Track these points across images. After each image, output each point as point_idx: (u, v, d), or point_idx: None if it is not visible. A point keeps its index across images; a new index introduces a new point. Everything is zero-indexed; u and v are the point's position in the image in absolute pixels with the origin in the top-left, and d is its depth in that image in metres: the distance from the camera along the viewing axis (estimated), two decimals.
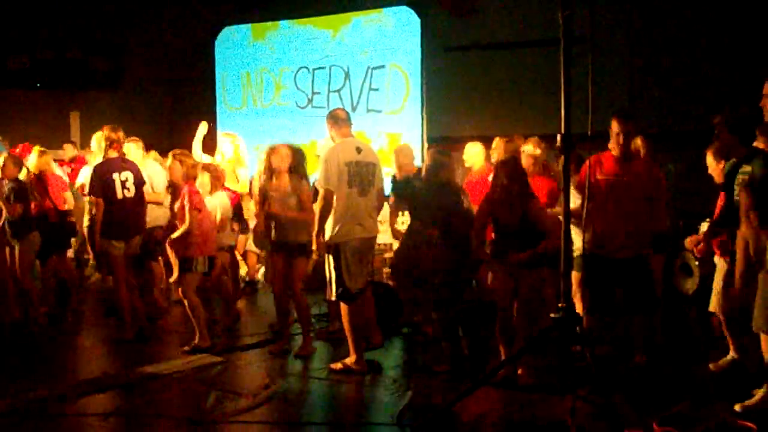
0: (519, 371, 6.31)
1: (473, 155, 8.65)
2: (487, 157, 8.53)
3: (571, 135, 5.02)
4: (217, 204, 8.16)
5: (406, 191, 8.00)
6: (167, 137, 13.71)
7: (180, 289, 7.73)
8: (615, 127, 6.22)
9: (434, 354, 7.19)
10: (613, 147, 6.29)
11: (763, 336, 5.18)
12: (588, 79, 5.10)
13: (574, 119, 5.03)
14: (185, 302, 7.72)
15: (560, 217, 5.55)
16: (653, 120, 10.10)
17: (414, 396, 6.18)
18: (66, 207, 9.28)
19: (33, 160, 9.17)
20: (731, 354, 6.46)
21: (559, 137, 5.04)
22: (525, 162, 7.37)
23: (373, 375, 6.81)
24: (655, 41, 10.98)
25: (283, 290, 7.57)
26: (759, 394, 5.40)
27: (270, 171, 7.53)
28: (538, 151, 7.87)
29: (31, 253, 8.72)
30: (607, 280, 6.31)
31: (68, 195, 9.37)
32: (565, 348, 5.14)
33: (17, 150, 10.31)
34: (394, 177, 8.44)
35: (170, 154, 7.93)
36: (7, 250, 8.66)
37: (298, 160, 7.59)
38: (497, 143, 8.19)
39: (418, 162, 8.88)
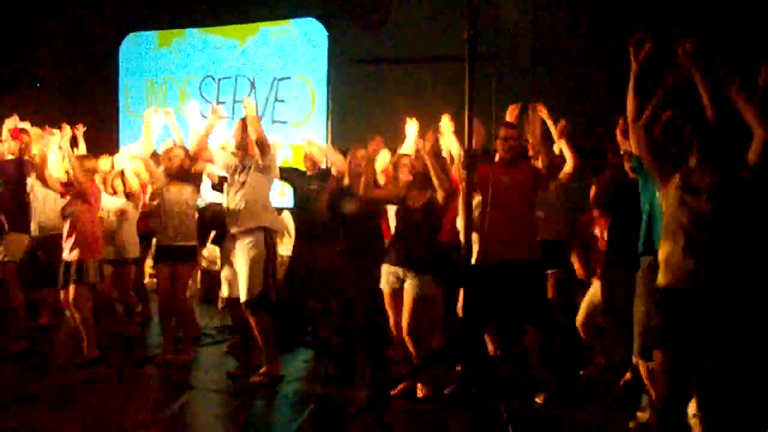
0: (419, 384, 6.33)
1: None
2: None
3: (474, 152, 5.10)
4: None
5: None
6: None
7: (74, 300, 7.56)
8: (501, 132, 6.31)
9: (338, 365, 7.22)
10: (499, 151, 6.35)
11: (641, 363, 5.23)
12: (496, 95, 5.19)
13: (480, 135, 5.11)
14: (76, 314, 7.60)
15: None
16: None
17: (315, 409, 6.16)
18: None
19: None
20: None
21: (462, 153, 5.11)
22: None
23: (274, 390, 6.76)
24: (559, 56, 11.18)
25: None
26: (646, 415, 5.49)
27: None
28: None
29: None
30: (494, 288, 6.15)
31: None
32: (465, 361, 5.19)
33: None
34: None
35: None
36: None
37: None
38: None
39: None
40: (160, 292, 7.63)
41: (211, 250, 10.14)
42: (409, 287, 6.22)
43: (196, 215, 7.80)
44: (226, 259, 7.01)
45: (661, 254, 4.26)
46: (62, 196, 7.86)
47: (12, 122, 8.79)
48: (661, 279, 4.24)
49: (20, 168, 8.47)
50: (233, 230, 6.85)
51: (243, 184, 6.87)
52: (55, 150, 8.32)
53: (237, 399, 6.60)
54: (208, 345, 8.49)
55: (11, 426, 5.74)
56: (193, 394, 6.64)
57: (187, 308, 7.76)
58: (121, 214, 8.55)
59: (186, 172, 7.55)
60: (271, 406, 6.51)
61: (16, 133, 8.49)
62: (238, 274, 6.81)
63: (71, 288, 7.48)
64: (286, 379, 6.99)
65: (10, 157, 8.55)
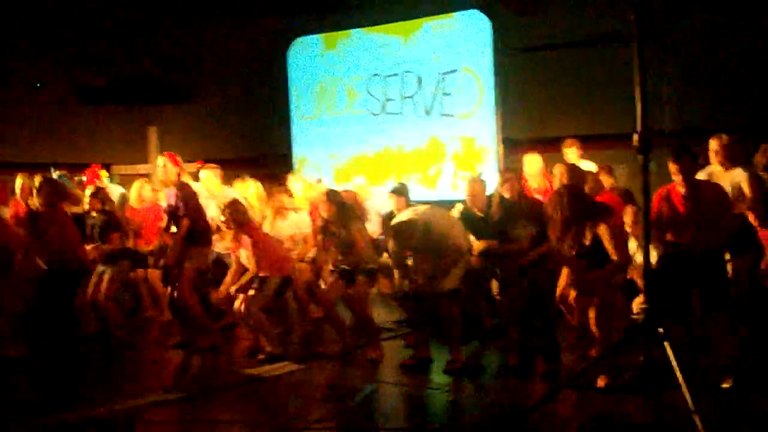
0: (600, 373, 6.23)
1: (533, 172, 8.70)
2: (546, 173, 8.57)
3: (648, 133, 4.94)
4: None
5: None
6: (242, 147, 13.89)
7: (245, 305, 7.91)
8: (670, 167, 6.14)
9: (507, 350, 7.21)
10: (678, 183, 6.20)
11: None
12: (663, 77, 5.02)
13: (652, 117, 4.95)
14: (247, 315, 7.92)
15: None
16: (734, 113, 9.87)
17: (495, 401, 6.15)
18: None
19: (134, 194, 9.48)
20: None
21: (635, 136, 4.96)
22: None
23: (455, 381, 6.80)
24: (734, 33, 10.73)
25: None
26: None
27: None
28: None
29: (119, 280, 8.95)
30: (681, 280, 6.13)
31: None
32: (646, 350, 5.05)
33: (84, 177, 10.47)
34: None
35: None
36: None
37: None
38: (559, 170, 7.99)
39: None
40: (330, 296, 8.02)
41: None
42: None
43: None
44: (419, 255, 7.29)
45: None
46: None
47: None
48: None
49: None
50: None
51: None
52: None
53: (416, 391, 6.66)
54: (386, 340, 8.58)
55: (204, 418, 6.00)
56: (373, 387, 6.74)
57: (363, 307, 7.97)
58: None
59: None
60: (450, 398, 6.53)
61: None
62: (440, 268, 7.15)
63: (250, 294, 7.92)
64: (466, 372, 7.01)
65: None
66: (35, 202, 8.20)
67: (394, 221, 7.69)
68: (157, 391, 6.71)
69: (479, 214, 7.69)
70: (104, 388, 7.01)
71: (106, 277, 8.72)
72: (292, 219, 9.07)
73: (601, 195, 7.65)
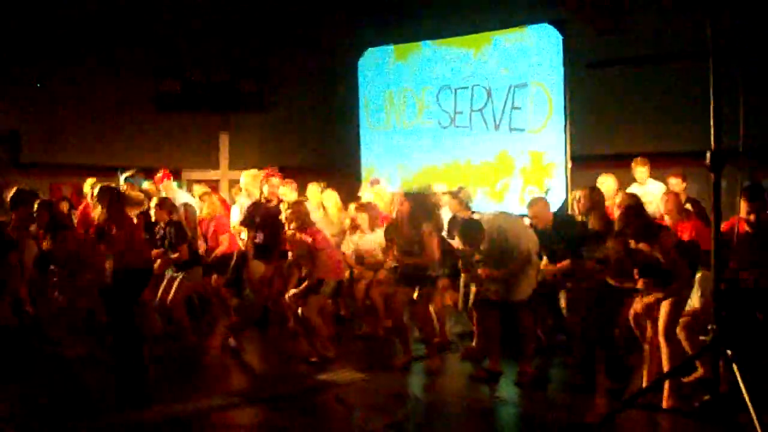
0: (665, 394, 6.14)
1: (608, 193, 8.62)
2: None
3: (721, 152, 4.86)
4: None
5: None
6: (312, 156, 14.01)
7: (303, 309, 8.04)
8: (743, 205, 6.07)
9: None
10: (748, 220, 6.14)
11: None
12: (739, 94, 4.94)
13: (725, 135, 4.87)
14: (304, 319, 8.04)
15: None
16: None
17: (557, 417, 6.10)
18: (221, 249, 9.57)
19: (205, 206, 9.70)
20: None
21: (708, 154, 4.89)
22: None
23: (514, 396, 6.77)
24: None
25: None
26: None
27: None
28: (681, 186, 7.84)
29: (191, 286, 9.07)
30: (744, 307, 6.04)
31: (224, 237, 9.58)
32: (715, 371, 4.96)
33: (157, 177, 10.58)
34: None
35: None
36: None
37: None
38: (621, 198, 7.97)
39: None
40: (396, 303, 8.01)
41: None
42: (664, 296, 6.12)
43: None
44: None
45: None
46: None
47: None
48: None
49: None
50: None
51: None
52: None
53: (479, 404, 6.65)
54: (447, 352, 8.58)
55: (267, 423, 6.05)
56: (431, 400, 6.73)
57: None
58: None
59: None
60: (512, 413, 6.50)
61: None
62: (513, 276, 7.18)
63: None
64: (531, 387, 6.97)
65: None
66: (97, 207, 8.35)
67: (461, 221, 7.72)
68: (221, 396, 6.78)
69: (546, 229, 7.70)
70: (169, 390, 7.10)
71: (176, 282, 8.86)
72: (368, 238, 9.20)
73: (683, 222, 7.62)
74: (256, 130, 14.55)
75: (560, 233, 7.75)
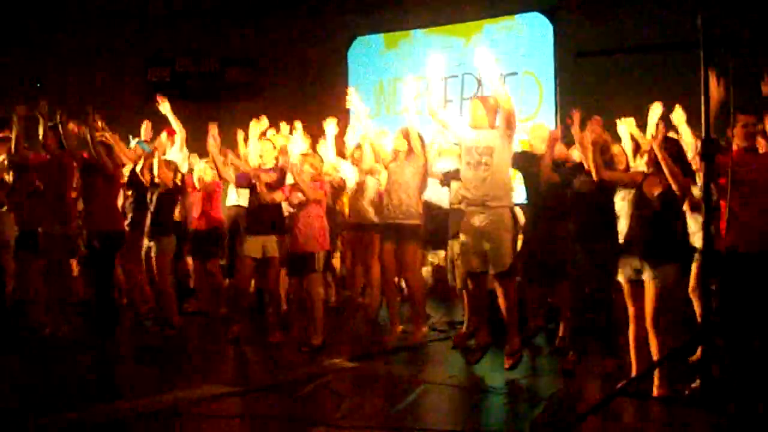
0: (656, 381, 6.15)
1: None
2: None
3: (712, 140, 4.89)
4: None
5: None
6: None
7: (309, 290, 8.02)
8: (740, 119, 5.96)
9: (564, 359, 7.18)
10: (738, 139, 6.02)
11: None
12: (729, 83, 4.96)
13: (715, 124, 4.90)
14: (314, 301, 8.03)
15: None
16: None
17: (548, 405, 6.12)
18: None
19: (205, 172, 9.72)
20: None
21: (699, 143, 4.91)
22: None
23: (505, 383, 6.78)
24: None
25: None
26: None
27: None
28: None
29: (166, 256, 8.98)
30: (743, 281, 5.93)
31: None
32: (705, 360, 4.99)
33: (163, 136, 10.42)
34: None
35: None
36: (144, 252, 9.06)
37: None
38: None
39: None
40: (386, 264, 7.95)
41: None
42: (650, 278, 6.03)
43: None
44: (467, 232, 7.13)
45: None
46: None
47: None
48: None
49: None
50: (481, 209, 6.98)
51: (488, 165, 6.95)
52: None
53: (467, 393, 6.66)
54: (437, 340, 8.61)
55: (255, 413, 6.06)
56: (422, 388, 6.73)
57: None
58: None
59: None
60: (501, 401, 6.51)
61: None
62: (490, 248, 6.93)
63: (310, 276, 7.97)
64: (516, 375, 6.99)
65: None
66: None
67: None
68: (209, 385, 6.78)
69: (538, 154, 7.69)
70: (152, 379, 7.09)
71: (153, 254, 8.85)
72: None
73: None
74: (246, 119, 14.47)
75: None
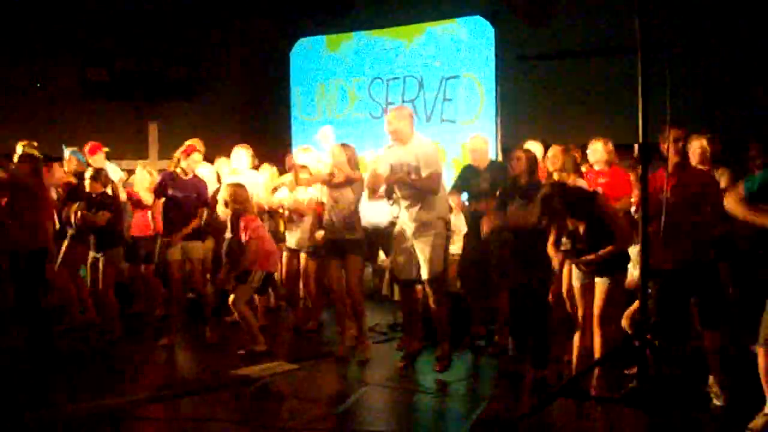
0: (594, 382, 6.23)
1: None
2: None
3: (648, 145, 4.96)
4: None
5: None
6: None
7: (232, 299, 8.06)
8: (671, 134, 6.05)
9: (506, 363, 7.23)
10: (673, 154, 6.11)
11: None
12: (665, 88, 5.02)
13: (650, 127, 4.96)
14: (235, 311, 8.08)
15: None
16: (732, 126, 9.91)
17: (487, 407, 6.16)
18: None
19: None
20: None
21: (636, 147, 4.98)
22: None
23: (447, 386, 6.82)
24: (733, 48, 10.77)
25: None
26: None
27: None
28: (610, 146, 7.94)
29: (113, 267, 8.89)
30: (674, 295, 6.07)
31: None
32: (642, 361, 5.05)
33: (87, 148, 10.37)
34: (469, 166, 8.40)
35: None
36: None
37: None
38: (554, 151, 8.03)
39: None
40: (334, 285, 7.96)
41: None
42: (601, 281, 6.18)
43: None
44: (400, 245, 7.31)
45: None
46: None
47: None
48: None
49: None
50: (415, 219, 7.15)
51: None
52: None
53: (408, 395, 6.68)
54: (381, 342, 8.63)
55: (192, 416, 6.00)
56: (365, 390, 6.74)
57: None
58: None
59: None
60: (440, 404, 6.55)
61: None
62: (420, 256, 7.10)
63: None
64: (458, 377, 7.03)
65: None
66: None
67: None
68: (147, 389, 6.71)
69: (480, 168, 8.07)
70: (91, 383, 7.01)
71: (100, 266, 8.72)
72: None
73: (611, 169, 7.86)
74: (186, 119, 14.34)
75: (491, 176, 8.01)
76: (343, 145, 7.93)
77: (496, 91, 10.84)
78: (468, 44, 11.19)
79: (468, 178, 8.34)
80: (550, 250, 6.41)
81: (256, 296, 8.92)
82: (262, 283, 8.25)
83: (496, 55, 10.88)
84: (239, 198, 8.13)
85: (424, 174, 7.09)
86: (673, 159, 6.01)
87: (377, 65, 12.07)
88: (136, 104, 14.51)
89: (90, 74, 14.51)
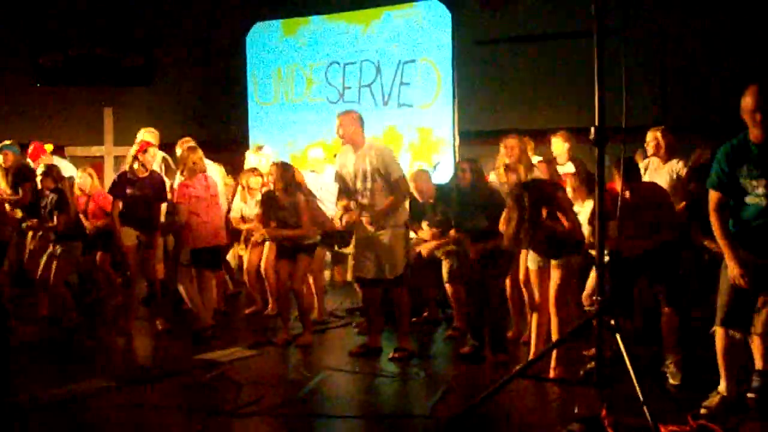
0: (552, 364, 6.32)
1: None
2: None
3: (605, 128, 5.00)
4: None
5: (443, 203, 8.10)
6: (199, 131, 13.80)
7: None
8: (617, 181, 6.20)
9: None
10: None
11: None
12: (621, 72, 5.07)
13: (607, 112, 5.01)
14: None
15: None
16: (686, 112, 10.04)
17: (448, 389, 6.19)
18: None
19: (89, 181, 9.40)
20: None
21: (593, 130, 5.02)
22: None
23: (407, 370, 6.85)
24: (689, 33, 10.90)
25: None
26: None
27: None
28: (567, 145, 8.08)
29: (70, 261, 8.83)
30: (628, 274, 6.25)
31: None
32: (599, 341, 5.11)
33: (29, 150, 10.34)
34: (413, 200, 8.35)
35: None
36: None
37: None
38: (510, 143, 8.04)
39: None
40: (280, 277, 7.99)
41: None
42: (556, 266, 6.31)
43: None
44: (362, 242, 7.34)
45: None
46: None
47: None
48: None
49: None
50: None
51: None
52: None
53: (369, 379, 6.69)
54: (338, 327, 8.64)
55: (148, 403, 5.97)
56: (324, 375, 6.74)
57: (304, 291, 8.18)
58: None
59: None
60: (400, 388, 6.58)
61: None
62: (383, 255, 7.19)
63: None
64: (418, 361, 7.07)
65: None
66: None
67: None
68: (105, 377, 6.66)
69: (429, 201, 8.18)
70: (50, 372, 6.95)
71: (55, 259, 8.64)
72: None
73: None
74: (142, 105, 14.23)
75: (442, 205, 8.11)
76: (282, 164, 8.02)
77: (453, 75, 10.83)
78: (425, 28, 11.16)
79: (422, 213, 8.45)
80: (502, 225, 6.45)
81: (213, 280, 8.81)
82: (211, 259, 8.23)
83: (453, 40, 10.87)
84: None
85: (392, 179, 7.19)
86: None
87: (334, 49, 12.00)
88: (91, 90, 14.35)
89: (44, 59, 14.34)
